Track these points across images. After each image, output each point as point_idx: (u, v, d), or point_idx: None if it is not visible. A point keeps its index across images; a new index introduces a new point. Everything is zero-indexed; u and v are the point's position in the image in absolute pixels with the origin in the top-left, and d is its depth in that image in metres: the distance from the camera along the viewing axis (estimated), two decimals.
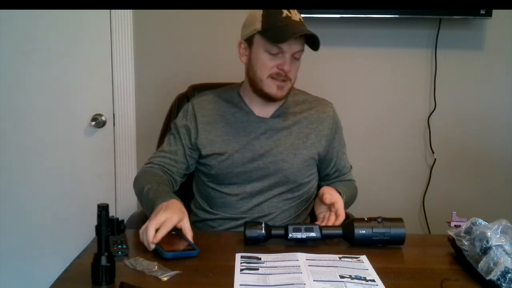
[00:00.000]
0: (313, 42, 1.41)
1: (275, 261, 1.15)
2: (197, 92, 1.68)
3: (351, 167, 1.67)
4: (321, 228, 1.26)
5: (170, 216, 1.20)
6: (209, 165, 1.51)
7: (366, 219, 1.26)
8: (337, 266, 1.12)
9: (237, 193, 1.50)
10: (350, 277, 1.06)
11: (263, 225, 1.25)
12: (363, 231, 1.23)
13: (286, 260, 1.15)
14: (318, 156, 1.54)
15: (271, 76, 1.42)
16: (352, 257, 1.18)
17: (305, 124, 1.53)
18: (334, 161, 1.59)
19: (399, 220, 1.26)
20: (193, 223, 1.49)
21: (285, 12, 1.39)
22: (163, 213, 1.21)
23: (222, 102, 1.54)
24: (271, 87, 1.43)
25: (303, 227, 1.26)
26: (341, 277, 1.06)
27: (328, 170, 1.60)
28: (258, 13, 1.41)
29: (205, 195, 1.56)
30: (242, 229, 1.27)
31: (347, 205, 1.47)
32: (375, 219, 1.25)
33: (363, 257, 1.18)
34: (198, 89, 1.71)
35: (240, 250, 1.21)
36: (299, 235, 1.25)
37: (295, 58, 1.43)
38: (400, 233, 1.24)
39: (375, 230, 1.23)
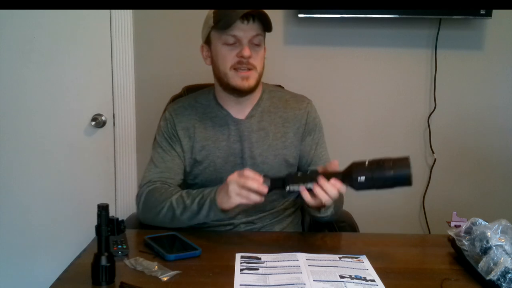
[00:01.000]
0: (267, 24, 1.37)
1: (275, 261, 1.15)
2: (191, 93, 1.63)
3: None
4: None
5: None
6: (193, 174, 1.48)
7: (366, 164, 1.13)
8: (337, 266, 1.12)
9: None
10: (350, 277, 1.07)
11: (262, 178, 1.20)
12: (363, 179, 1.13)
13: (286, 260, 1.16)
14: (298, 154, 1.50)
15: (234, 68, 1.37)
16: (352, 257, 1.18)
17: (281, 123, 1.48)
18: (310, 161, 1.49)
19: (404, 160, 1.11)
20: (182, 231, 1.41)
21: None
22: (231, 176, 1.23)
23: (199, 107, 1.50)
24: (235, 78, 1.38)
25: (301, 175, 1.18)
26: (341, 277, 1.06)
27: (306, 167, 1.49)
28: (209, 13, 1.41)
29: None
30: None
31: (335, 215, 1.40)
32: (376, 163, 1.12)
33: (363, 257, 1.18)
34: (193, 90, 1.67)
35: (240, 250, 1.21)
36: (296, 187, 1.17)
37: (255, 44, 1.38)
38: (404, 174, 1.11)
39: (375, 175, 1.12)
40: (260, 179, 1.19)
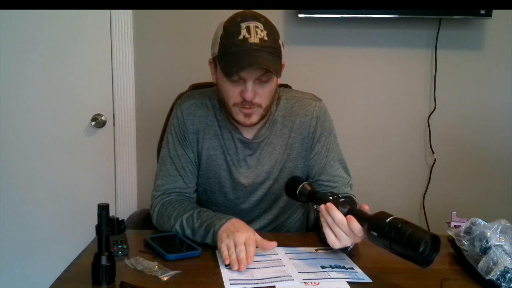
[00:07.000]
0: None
1: (256, 255, 1.16)
2: (204, 89, 1.55)
3: (349, 182, 1.44)
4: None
5: (248, 234, 1.16)
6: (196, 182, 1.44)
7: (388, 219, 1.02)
8: (316, 258, 1.17)
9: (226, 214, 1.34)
10: (331, 266, 1.12)
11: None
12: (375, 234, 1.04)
13: (266, 254, 1.18)
14: (306, 165, 1.43)
15: (237, 104, 1.29)
16: (327, 249, 1.23)
17: (288, 134, 1.41)
18: (322, 168, 1.42)
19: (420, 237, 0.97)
20: None
21: (243, 33, 1.21)
22: (239, 233, 1.15)
23: (211, 109, 1.41)
24: (238, 115, 1.30)
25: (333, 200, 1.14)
26: (322, 267, 1.12)
27: (317, 177, 1.43)
28: (219, 32, 1.27)
29: None
30: None
31: None
32: (395, 226, 1.00)
33: None
34: (199, 88, 1.67)
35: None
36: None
37: (262, 81, 1.26)
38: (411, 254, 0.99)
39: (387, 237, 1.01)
40: (252, 257, 1.11)
